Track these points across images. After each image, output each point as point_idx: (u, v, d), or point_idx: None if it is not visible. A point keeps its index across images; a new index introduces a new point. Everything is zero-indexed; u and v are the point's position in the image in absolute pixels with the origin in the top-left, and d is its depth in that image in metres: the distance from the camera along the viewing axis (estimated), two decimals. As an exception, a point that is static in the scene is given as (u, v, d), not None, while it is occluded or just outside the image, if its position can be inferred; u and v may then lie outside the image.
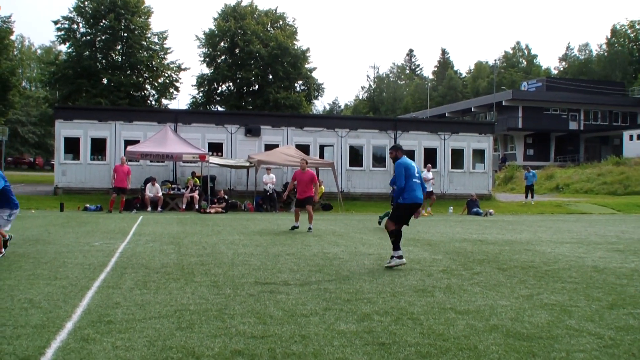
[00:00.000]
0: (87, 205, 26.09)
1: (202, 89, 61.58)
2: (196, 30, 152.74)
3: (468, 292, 8.25)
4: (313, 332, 6.01)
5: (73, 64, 55.45)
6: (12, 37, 69.39)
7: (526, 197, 35.93)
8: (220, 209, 26.15)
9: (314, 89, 62.94)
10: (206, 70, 62.13)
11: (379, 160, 36.02)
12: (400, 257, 10.46)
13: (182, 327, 6.08)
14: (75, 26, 56.82)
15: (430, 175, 27.99)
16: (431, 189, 27.49)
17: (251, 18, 59.48)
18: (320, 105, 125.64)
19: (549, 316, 6.91)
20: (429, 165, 30.51)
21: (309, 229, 17.27)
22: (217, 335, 5.83)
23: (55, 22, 56.14)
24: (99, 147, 32.43)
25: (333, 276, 9.41)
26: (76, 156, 32.19)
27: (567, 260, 11.79)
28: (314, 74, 62.25)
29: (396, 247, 10.53)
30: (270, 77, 59.49)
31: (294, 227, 17.90)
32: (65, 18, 56.24)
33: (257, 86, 60.10)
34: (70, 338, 5.63)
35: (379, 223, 19.81)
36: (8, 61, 63.94)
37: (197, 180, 28.79)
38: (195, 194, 27.46)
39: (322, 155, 34.52)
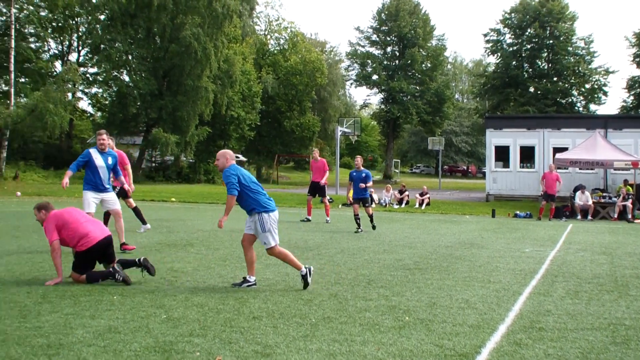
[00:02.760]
0: (517, 212, 26.45)
1: (632, 92, 57.87)
2: (625, 30, 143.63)
3: None
4: None
5: (501, 74, 57.07)
6: (446, 54, 74.26)
7: None
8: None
9: None
10: (637, 72, 58.30)
11: None
12: None
13: (616, 342, 5.86)
14: (502, 37, 58.33)
15: None
16: None
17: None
18: None
19: None
20: None
21: None
22: (656, 354, 5.50)
23: (485, 35, 58.46)
24: (527, 155, 32.71)
25: None
26: (506, 164, 33.00)
27: None
28: None
29: None
30: None
31: None
32: (493, 30, 58.13)
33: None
34: (503, 340, 5.81)
35: None
36: (443, 76, 68.82)
37: (630, 188, 27.08)
38: (629, 203, 25.88)
39: None
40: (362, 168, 17.11)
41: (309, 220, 19.68)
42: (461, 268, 10.37)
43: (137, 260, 8.37)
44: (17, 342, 5.32)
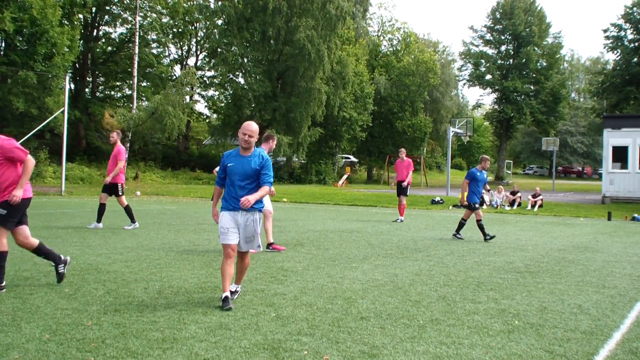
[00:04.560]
0: (635, 215, 25.39)
1: None
2: None
3: None
4: None
5: (621, 71, 54.71)
6: (562, 52, 72.06)
7: None
8: None
9: None
10: None
11: None
12: None
13: None
14: (623, 33, 55.93)
15: None
16: None
17: None
18: None
19: None
20: None
21: None
22: None
23: (605, 31, 56.26)
24: (647, 156, 31.36)
25: None
26: (624, 165, 31.70)
27: None
28: None
29: None
30: None
31: None
32: (613, 26, 55.85)
33: None
34: (618, 349, 5.67)
35: None
36: (559, 75, 66.71)
37: None
38: None
39: None
40: None
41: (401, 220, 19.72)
42: (574, 272, 10.10)
43: (59, 260, 7.86)
44: (135, 335, 5.64)
